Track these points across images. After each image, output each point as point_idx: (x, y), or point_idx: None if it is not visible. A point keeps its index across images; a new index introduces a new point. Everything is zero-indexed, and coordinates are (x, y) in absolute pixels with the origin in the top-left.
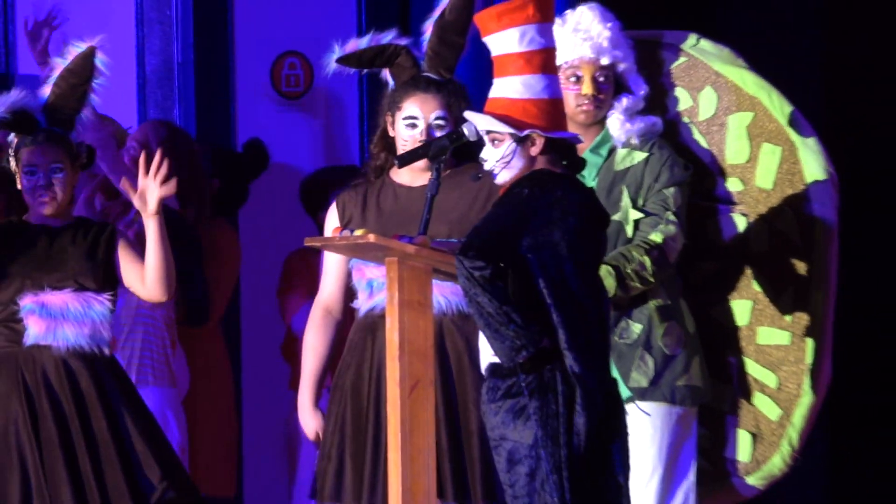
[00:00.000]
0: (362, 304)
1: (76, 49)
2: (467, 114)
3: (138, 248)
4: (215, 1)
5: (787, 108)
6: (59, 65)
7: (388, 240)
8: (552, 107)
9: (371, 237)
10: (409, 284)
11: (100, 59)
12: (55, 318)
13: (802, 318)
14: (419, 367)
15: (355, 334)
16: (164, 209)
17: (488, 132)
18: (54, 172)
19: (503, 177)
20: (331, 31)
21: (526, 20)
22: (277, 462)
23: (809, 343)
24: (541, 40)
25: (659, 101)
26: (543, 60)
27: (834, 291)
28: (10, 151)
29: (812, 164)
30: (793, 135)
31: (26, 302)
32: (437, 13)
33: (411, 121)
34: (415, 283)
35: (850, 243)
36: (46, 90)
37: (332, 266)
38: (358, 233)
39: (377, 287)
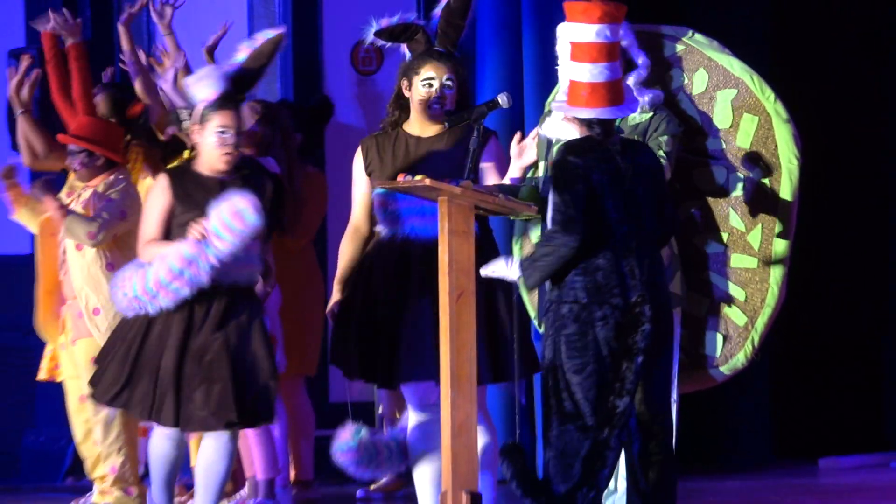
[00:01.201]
0: (382, 227)
1: (264, 36)
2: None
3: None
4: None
5: (767, 89)
6: (247, 47)
7: (440, 183)
8: (593, 90)
9: (427, 181)
10: (455, 217)
11: (282, 46)
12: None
13: (768, 248)
14: (464, 281)
15: (373, 249)
16: (261, 170)
17: None
18: (238, 136)
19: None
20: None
21: (598, 20)
22: None
23: (772, 268)
24: (607, 35)
25: (660, 78)
26: (606, 51)
27: (794, 229)
28: (196, 111)
29: (783, 131)
30: (770, 109)
31: None
32: (444, 1)
33: (428, 81)
34: (460, 216)
35: (809, 191)
36: (236, 65)
37: (360, 197)
38: (417, 178)
39: (391, 213)
